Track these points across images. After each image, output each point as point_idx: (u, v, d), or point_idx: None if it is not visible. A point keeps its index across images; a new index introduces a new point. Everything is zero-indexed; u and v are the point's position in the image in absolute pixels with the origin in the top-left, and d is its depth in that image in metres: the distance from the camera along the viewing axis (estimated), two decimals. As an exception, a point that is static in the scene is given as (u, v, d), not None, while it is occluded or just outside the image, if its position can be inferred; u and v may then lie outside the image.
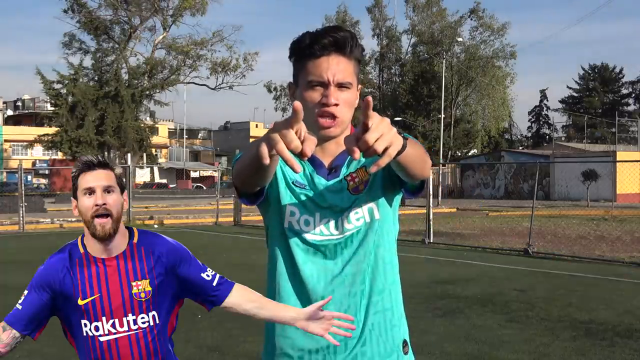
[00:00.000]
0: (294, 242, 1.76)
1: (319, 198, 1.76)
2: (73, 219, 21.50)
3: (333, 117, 1.67)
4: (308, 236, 1.75)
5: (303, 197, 1.76)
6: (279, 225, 1.79)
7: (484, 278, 9.44)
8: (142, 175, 65.16)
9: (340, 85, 1.68)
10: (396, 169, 1.60)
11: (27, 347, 5.60)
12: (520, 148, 67.38)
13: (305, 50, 1.68)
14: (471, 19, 56.15)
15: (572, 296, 7.89)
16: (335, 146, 1.76)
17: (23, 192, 19.37)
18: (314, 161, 1.78)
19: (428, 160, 1.69)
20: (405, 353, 1.84)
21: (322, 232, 1.76)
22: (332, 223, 1.76)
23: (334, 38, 1.66)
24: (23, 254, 12.74)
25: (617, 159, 31.78)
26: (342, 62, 1.68)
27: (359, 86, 1.76)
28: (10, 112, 74.39)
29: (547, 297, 7.83)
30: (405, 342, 1.85)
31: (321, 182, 1.77)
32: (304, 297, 1.77)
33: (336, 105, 1.67)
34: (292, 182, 1.77)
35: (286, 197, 1.77)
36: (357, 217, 1.77)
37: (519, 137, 78.41)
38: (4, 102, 71.22)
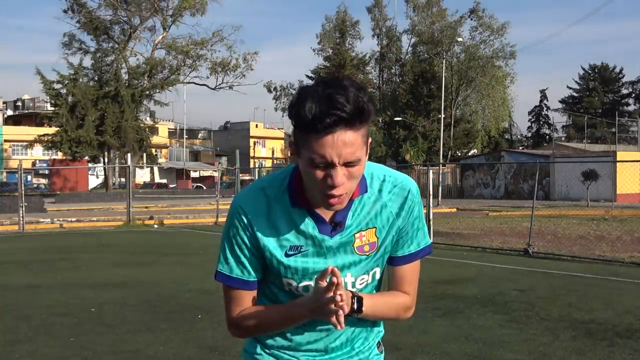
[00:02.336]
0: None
1: (319, 258, 1.65)
2: (73, 219, 21.52)
3: (339, 195, 1.54)
4: None
5: (299, 263, 1.65)
6: (277, 284, 1.73)
7: (484, 278, 9.44)
8: (142, 175, 65.18)
9: (349, 165, 1.51)
10: None
11: (27, 347, 5.60)
12: (520, 148, 67.39)
13: (307, 125, 1.48)
14: (471, 19, 56.25)
15: (572, 296, 7.88)
16: None
17: (23, 192, 19.37)
18: (314, 216, 1.64)
19: (402, 315, 1.80)
20: (380, 352, 1.88)
21: None
22: None
23: (339, 117, 1.45)
24: (23, 254, 12.74)
25: (617, 159, 31.77)
26: (350, 138, 1.48)
27: (369, 140, 1.57)
28: (10, 112, 74.41)
29: (547, 297, 7.83)
30: (379, 343, 1.89)
31: (324, 239, 1.64)
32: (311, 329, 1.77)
33: (343, 183, 1.53)
34: (285, 253, 1.64)
35: (280, 271, 1.67)
36: (361, 282, 1.72)
37: (519, 137, 78.46)
38: (4, 102, 71.24)
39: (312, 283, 1.66)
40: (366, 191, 1.66)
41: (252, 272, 1.69)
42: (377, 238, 1.68)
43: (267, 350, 1.81)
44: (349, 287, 1.68)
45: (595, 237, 15.53)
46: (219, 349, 5.46)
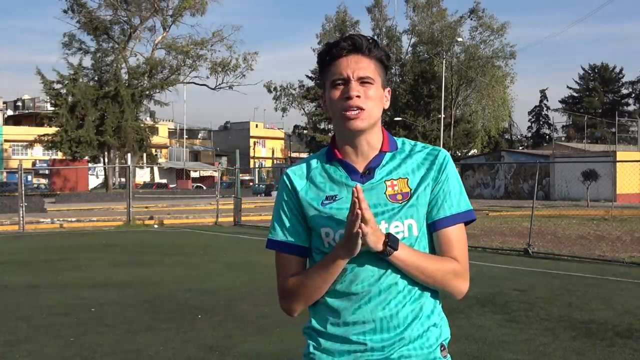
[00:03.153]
0: None
1: None
2: (73, 219, 21.52)
3: (358, 108, 1.72)
4: None
5: (335, 211, 1.74)
6: (320, 247, 1.79)
7: (484, 278, 9.43)
8: (142, 175, 65.20)
9: (363, 81, 1.73)
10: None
11: (27, 347, 5.60)
12: (520, 148, 67.42)
13: (326, 55, 1.77)
14: (471, 19, 56.22)
15: (572, 296, 7.88)
16: (367, 148, 1.77)
17: (23, 192, 19.38)
18: (347, 167, 1.79)
19: (453, 282, 1.75)
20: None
21: None
22: None
23: (352, 40, 1.75)
24: (23, 254, 12.74)
25: (617, 159, 31.76)
26: (362, 60, 1.74)
27: (387, 89, 1.82)
28: (10, 112, 74.41)
29: (547, 297, 7.83)
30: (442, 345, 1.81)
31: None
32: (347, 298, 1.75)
33: (358, 97, 1.72)
34: (321, 202, 1.77)
35: (318, 221, 1.77)
36: (397, 231, 1.72)
37: (519, 137, 78.48)
38: (4, 102, 71.23)
39: None
40: (397, 149, 1.83)
41: (297, 236, 1.81)
42: (410, 188, 1.76)
43: (319, 348, 1.78)
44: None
45: (595, 237, 15.53)
46: (219, 349, 5.46)
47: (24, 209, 18.66)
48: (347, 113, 1.71)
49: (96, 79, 44.82)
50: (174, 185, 55.79)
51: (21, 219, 18.57)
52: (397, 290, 1.72)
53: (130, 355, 5.36)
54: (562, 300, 7.65)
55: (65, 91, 42.57)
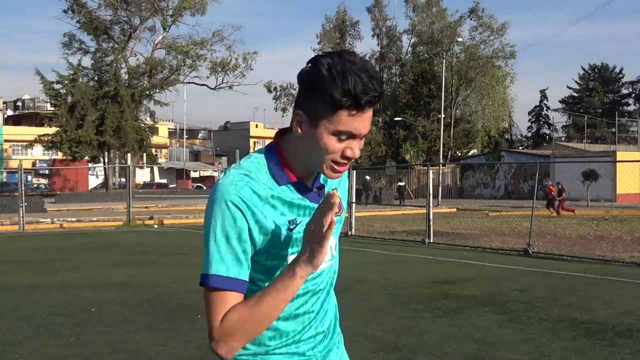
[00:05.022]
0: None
1: None
2: (73, 219, 21.53)
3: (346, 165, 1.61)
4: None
5: (301, 234, 1.59)
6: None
7: (484, 278, 9.44)
8: (142, 175, 65.20)
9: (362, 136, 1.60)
10: None
11: (27, 347, 5.60)
12: (520, 148, 67.40)
13: (348, 99, 1.49)
14: (471, 19, 56.23)
15: (572, 296, 7.88)
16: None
17: (23, 192, 19.37)
18: (300, 188, 1.64)
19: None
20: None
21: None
22: None
23: (379, 94, 1.52)
24: (23, 254, 12.73)
25: (617, 159, 31.76)
26: (371, 115, 1.57)
27: None
28: (10, 112, 74.46)
29: (547, 297, 7.83)
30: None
31: (315, 206, 1.64)
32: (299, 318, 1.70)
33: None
34: (288, 228, 1.61)
35: (286, 247, 1.62)
36: (334, 244, 1.77)
37: (519, 137, 78.45)
38: (4, 102, 71.24)
39: None
40: None
41: (245, 271, 1.57)
42: (339, 198, 1.74)
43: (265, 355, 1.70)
44: (333, 250, 1.74)
45: (595, 237, 15.54)
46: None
47: (24, 209, 18.66)
48: (338, 168, 1.58)
49: (96, 79, 44.83)
50: (174, 185, 55.81)
51: (21, 219, 18.57)
52: (332, 298, 1.81)
53: (130, 355, 5.36)
54: (562, 300, 7.65)
55: (64, 91, 42.59)
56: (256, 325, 1.54)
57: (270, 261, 1.61)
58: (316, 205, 1.62)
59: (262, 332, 1.61)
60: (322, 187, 1.68)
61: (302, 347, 1.70)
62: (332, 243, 1.72)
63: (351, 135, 1.54)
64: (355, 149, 1.56)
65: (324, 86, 1.49)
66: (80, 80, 43.33)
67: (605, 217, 22.69)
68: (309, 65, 1.54)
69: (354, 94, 1.48)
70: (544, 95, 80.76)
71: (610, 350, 5.43)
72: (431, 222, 14.81)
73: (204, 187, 51.73)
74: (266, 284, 1.58)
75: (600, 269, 10.40)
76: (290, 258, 1.60)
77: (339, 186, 1.79)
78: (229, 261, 1.53)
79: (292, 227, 1.61)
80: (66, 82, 42.40)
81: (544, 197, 25.93)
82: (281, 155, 1.64)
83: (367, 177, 37.11)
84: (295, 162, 1.62)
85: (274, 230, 1.58)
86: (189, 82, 49.34)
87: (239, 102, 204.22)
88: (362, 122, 1.53)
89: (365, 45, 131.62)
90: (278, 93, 60.43)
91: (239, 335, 1.56)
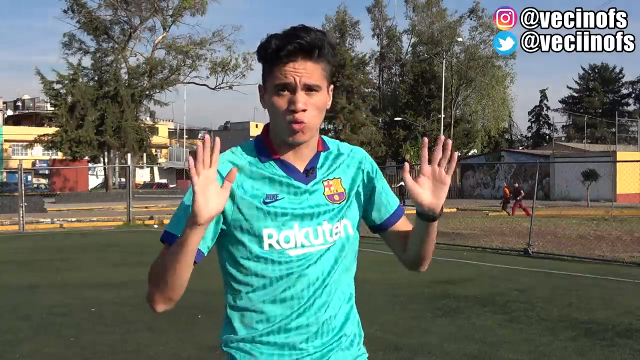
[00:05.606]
0: (276, 262, 1.66)
1: (297, 205, 1.67)
2: (73, 219, 21.53)
3: (303, 122, 1.61)
4: (291, 252, 1.65)
5: (279, 211, 1.64)
6: (256, 252, 1.66)
7: (484, 278, 9.44)
8: (142, 175, 65.22)
9: (309, 89, 1.61)
10: (417, 238, 1.74)
11: (27, 347, 5.60)
12: (520, 148, 67.39)
13: (271, 55, 1.60)
14: (470, 19, 56.26)
15: (572, 296, 7.88)
16: (308, 150, 1.70)
17: (23, 192, 19.38)
18: (286, 166, 1.68)
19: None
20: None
21: (304, 244, 1.66)
22: (311, 232, 1.67)
23: (300, 44, 1.58)
24: (23, 254, 12.74)
25: (617, 159, 31.78)
26: (309, 66, 1.60)
27: (331, 87, 1.70)
28: (10, 112, 74.43)
29: (547, 297, 7.83)
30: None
31: (301, 185, 1.68)
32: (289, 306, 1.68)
33: (304, 110, 1.60)
34: (263, 201, 1.64)
35: (260, 220, 1.64)
36: (336, 230, 1.71)
37: (519, 137, 78.46)
38: (4, 102, 71.23)
39: (293, 232, 1.66)
40: (329, 149, 1.78)
41: (208, 241, 1.67)
42: (344, 189, 1.74)
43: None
44: (327, 236, 1.69)
45: (595, 237, 15.54)
46: (219, 349, 5.46)
47: (24, 209, 18.66)
48: (292, 125, 1.60)
49: (96, 79, 44.87)
50: (174, 185, 55.82)
51: (21, 219, 18.56)
52: (337, 292, 1.72)
53: (130, 355, 5.36)
54: (562, 300, 7.65)
55: (64, 91, 42.60)
56: (160, 271, 1.66)
57: (247, 236, 1.65)
58: (303, 186, 1.69)
59: (249, 308, 1.69)
60: (312, 169, 1.71)
61: (293, 338, 1.67)
62: (326, 228, 1.69)
63: (289, 88, 1.60)
64: (297, 101, 1.59)
65: (258, 52, 1.64)
66: (80, 80, 43.36)
67: (605, 217, 22.68)
68: None
69: (274, 46, 1.59)
70: (544, 95, 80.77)
71: (610, 350, 5.43)
72: (431, 222, 14.78)
73: (204, 187, 51.64)
74: (247, 263, 1.67)
75: (600, 269, 10.40)
76: (266, 232, 1.64)
77: (344, 175, 1.75)
78: (185, 223, 1.56)
79: (268, 200, 1.65)
80: (66, 82, 42.42)
81: (500, 197, 26.34)
82: (266, 134, 1.73)
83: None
84: (276, 139, 1.70)
85: (247, 200, 1.64)
86: (189, 82, 49.41)
87: (239, 102, 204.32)
88: (295, 72, 1.59)
89: (365, 45, 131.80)
90: (278, 93, 60.40)
91: (152, 280, 1.73)
